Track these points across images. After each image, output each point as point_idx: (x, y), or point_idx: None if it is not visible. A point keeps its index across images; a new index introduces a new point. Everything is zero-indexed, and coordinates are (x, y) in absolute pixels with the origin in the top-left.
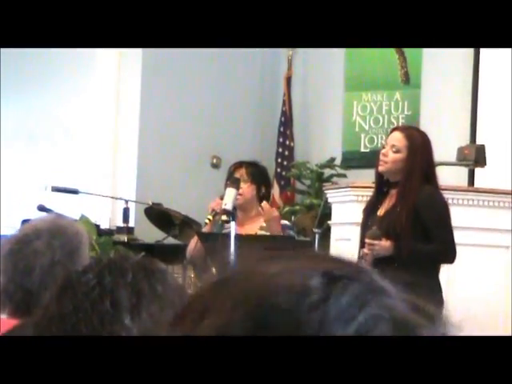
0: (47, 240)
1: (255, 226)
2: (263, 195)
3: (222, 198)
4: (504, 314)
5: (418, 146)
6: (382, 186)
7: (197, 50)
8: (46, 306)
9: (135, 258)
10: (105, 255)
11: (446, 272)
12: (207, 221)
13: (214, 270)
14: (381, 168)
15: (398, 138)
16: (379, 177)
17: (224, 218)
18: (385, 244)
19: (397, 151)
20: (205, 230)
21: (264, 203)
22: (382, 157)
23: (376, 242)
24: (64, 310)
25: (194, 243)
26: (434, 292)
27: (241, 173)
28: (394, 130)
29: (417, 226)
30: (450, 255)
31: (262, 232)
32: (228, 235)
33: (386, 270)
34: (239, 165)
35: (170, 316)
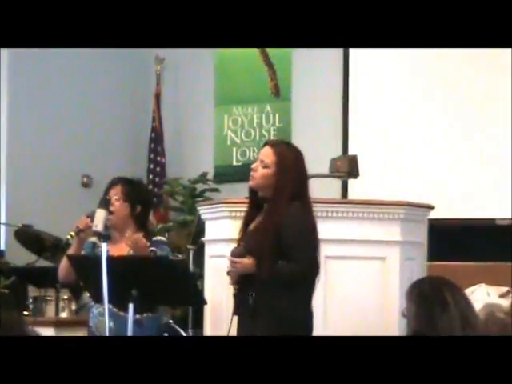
0: None
1: (127, 246)
2: (138, 214)
3: (88, 216)
4: (383, 323)
5: (288, 162)
6: (256, 200)
7: (65, 65)
8: None
9: None
10: None
11: (322, 285)
12: (69, 237)
13: (87, 293)
14: (250, 183)
15: (267, 154)
16: (252, 191)
17: (94, 239)
18: (247, 262)
19: (265, 166)
20: (71, 251)
21: (128, 233)
22: (252, 172)
23: (238, 260)
24: None
25: (64, 265)
26: (291, 311)
27: (116, 190)
28: (264, 144)
29: (279, 244)
30: (308, 275)
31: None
32: (99, 257)
33: (249, 288)
34: (115, 182)
35: None
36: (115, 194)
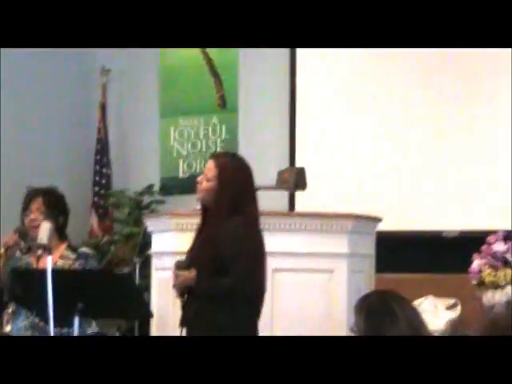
0: None
1: (55, 256)
2: (62, 225)
3: (15, 232)
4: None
5: (228, 175)
6: (206, 212)
7: (6, 77)
8: None
9: None
10: None
11: (270, 298)
12: None
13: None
14: (197, 196)
15: (209, 167)
16: (202, 204)
17: (40, 252)
18: (188, 275)
19: (208, 180)
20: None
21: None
22: (198, 185)
23: (180, 272)
24: None
25: None
26: (232, 328)
27: (38, 204)
28: (210, 157)
29: (217, 258)
30: (242, 288)
31: (62, 261)
32: (43, 271)
33: (194, 301)
34: (36, 194)
35: None
36: (37, 209)
